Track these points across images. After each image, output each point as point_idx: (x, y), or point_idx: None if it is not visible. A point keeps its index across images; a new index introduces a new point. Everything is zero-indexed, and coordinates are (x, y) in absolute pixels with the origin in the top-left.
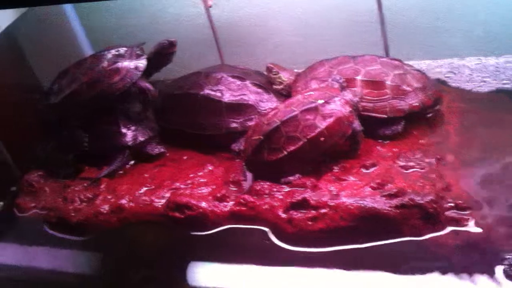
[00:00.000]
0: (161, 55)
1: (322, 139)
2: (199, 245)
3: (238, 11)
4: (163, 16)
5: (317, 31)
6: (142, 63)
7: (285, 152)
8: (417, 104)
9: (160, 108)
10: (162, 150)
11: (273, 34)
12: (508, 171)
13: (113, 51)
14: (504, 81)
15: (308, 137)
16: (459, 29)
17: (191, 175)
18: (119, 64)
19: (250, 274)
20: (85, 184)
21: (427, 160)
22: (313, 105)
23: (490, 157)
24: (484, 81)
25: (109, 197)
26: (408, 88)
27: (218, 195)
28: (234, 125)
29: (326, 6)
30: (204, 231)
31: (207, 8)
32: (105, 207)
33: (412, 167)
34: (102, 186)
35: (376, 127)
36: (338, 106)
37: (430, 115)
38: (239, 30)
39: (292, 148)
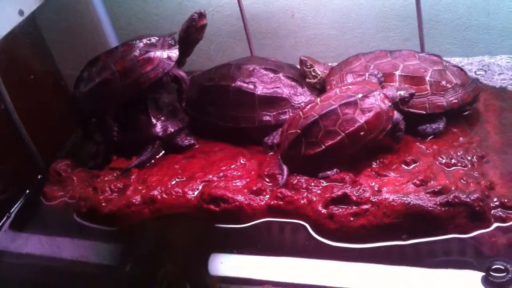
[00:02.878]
0: (192, 30)
1: (361, 133)
2: (235, 238)
3: (271, 4)
4: (191, 5)
5: (352, 25)
6: (174, 52)
7: (323, 147)
8: (457, 101)
9: (190, 99)
10: (192, 141)
11: (306, 27)
12: None
13: (145, 40)
14: None
15: (347, 131)
16: (491, 26)
17: (223, 168)
18: (152, 54)
19: (290, 268)
20: (115, 174)
21: (468, 157)
22: (352, 99)
23: None
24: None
25: (140, 187)
26: (447, 85)
27: (254, 188)
28: (267, 118)
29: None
30: (240, 224)
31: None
32: (137, 198)
33: (454, 164)
34: (133, 177)
35: (416, 124)
36: (377, 101)
37: (467, 112)
38: (271, 22)
39: (330, 142)
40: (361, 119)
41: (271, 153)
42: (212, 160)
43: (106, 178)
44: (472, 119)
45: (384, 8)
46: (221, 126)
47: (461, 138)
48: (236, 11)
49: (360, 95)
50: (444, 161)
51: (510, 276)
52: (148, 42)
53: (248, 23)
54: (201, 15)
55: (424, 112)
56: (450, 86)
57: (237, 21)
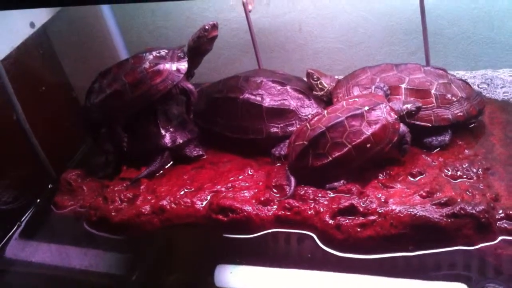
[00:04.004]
0: (203, 40)
1: (368, 145)
2: (243, 249)
3: (279, 17)
4: (199, 19)
5: (359, 39)
6: (183, 65)
7: (330, 158)
8: (462, 114)
9: (199, 111)
10: (201, 152)
11: (314, 41)
12: None
13: (155, 53)
14: None
15: (354, 143)
16: (495, 41)
17: (232, 178)
18: (161, 66)
19: (297, 279)
20: (125, 184)
21: (474, 170)
22: (359, 111)
23: None
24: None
25: (149, 197)
26: (453, 98)
27: (262, 198)
28: (274, 129)
29: (369, 14)
30: (248, 235)
31: (247, 12)
32: (147, 208)
33: (460, 176)
34: (142, 187)
35: (422, 137)
36: (384, 113)
37: (473, 125)
38: (278, 35)
39: (337, 154)
40: (368, 131)
41: (279, 164)
42: (221, 171)
43: (116, 188)
44: (477, 132)
45: (390, 22)
46: (229, 137)
47: (466, 151)
48: (244, 25)
49: (366, 108)
50: (450, 173)
51: None
52: (158, 54)
53: (255, 36)
54: (214, 26)
55: (430, 125)
56: (455, 99)
57: (245, 35)
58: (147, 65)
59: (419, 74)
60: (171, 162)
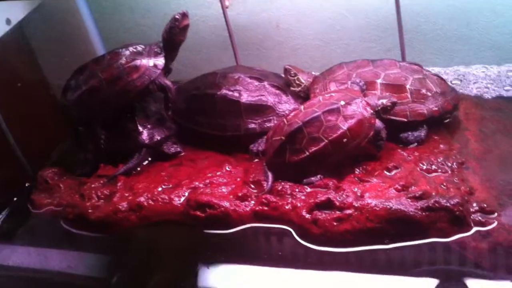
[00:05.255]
0: (175, 31)
1: (344, 140)
2: (221, 244)
3: (256, 14)
4: None
5: (336, 36)
6: (160, 60)
7: (307, 153)
8: (437, 108)
9: (177, 108)
10: (179, 149)
11: (291, 38)
12: None
13: (131, 49)
14: (506, 88)
15: (330, 138)
16: (469, 37)
17: (209, 175)
18: (138, 62)
19: (275, 274)
20: (102, 182)
21: (449, 164)
22: (335, 106)
23: (509, 162)
24: (488, 88)
25: (126, 194)
26: (428, 93)
27: (240, 194)
28: (252, 126)
29: (346, 11)
30: (226, 230)
31: (225, 8)
32: (124, 204)
33: (435, 170)
34: (119, 184)
35: (398, 132)
36: (359, 108)
37: (448, 120)
38: (256, 33)
39: (314, 148)
40: (344, 126)
41: (257, 160)
42: (199, 167)
43: (93, 185)
44: (452, 127)
45: (367, 19)
46: (207, 134)
47: (442, 145)
48: (222, 22)
49: (342, 103)
50: (425, 167)
51: None
52: (135, 50)
53: (233, 33)
54: (184, 15)
55: (406, 120)
56: (430, 94)
57: (223, 32)
58: (124, 60)
59: (395, 70)
60: (149, 159)
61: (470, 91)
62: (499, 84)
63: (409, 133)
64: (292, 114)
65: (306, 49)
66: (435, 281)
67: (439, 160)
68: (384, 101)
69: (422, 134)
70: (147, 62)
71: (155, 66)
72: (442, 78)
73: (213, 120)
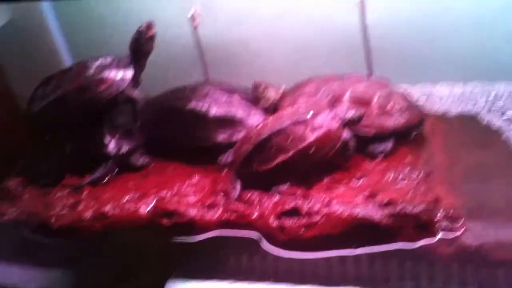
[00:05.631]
0: (141, 41)
1: (312, 150)
2: (187, 252)
3: (227, 34)
4: None
5: (305, 55)
6: (129, 72)
7: (275, 162)
8: (403, 122)
9: (146, 120)
10: (147, 161)
11: (261, 57)
12: (491, 185)
13: (99, 61)
14: (470, 105)
15: (298, 147)
16: (434, 57)
17: (177, 184)
18: (106, 73)
19: (242, 280)
20: (67, 192)
21: (415, 174)
22: (302, 117)
23: (474, 173)
24: (452, 105)
25: (91, 204)
26: (393, 107)
27: (207, 203)
28: (221, 137)
29: (315, 32)
30: (192, 238)
31: (194, 27)
32: (88, 213)
33: (402, 180)
34: (84, 194)
35: (366, 144)
36: (327, 119)
37: (415, 134)
38: (226, 51)
39: (282, 158)
40: (311, 136)
41: (226, 171)
42: (167, 178)
43: (57, 195)
44: (419, 141)
45: (335, 39)
46: (176, 146)
47: (408, 157)
48: (193, 40)
49: (310, 114)
50: (392, 177)
51: None
52: (103, 62)
53: (204, 52)
54: (149, 25)
55: (372, 132)
56: (396, 109)
57: (193, 50)
58: (91, 72)
59: (362, 85)
60: (117, 170)
61: (436, 108)
62: (463, 102)
63: (376, 145)
64: (261, 125)
65: (275, 68)
66: (402, 286)
67: (406, 170)
68: (351, 113)
69: (389, 146)
70: (115, 73)
71: (122, 77)
72: (407, 94)
73: (182, 132)
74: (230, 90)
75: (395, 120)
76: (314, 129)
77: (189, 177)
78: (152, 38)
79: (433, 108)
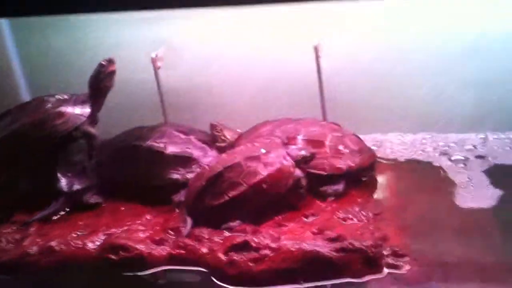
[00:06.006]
0: (101, 77)
1: (264, 186)
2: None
3: (191, 78)
4: None
5: (265, 100)
6: (86, 108)
7: (227, 197)
8: (354, 164)
9: (102, 159)
10: (99, 200)
11: (223, 102)
12: (437, 225)
13: (57, 96)
14: (419, 153)
15: (250, 183)
16: (387, 107)
17: (128, 223)
18: (63, 108)
19: None
20: (15, 227)
21: (365, 214)
22: (256, 153)
23: (423, 216)
24: (402, 152)
25: (38, 239)
26: (345, 149)
27: (156, 238)
28: (176, 176)
29: (275, 80)
30: (141, 272)
31: (156, 69)
32: (34, 248)
33: (351, 219)
34: (32, 229)
35: (318, 185)
36: (280, 157)
37: (366, 178)
38: (188, 96)
39: (234, 193)
40: (264, 172)
41: (179, 210)
42: (118, 217)
43: (4, 231)
44: (370, 184)
45: (292, 86)
46: (131, 185)
47: (359, 199)
48: (155, 85)
49: (263, 151)
50: (341, 216)
51: None
52: (61, 98)
53: (168, 95)
54: (110, 61)
55: (324, 173)
56: (348, 151)
57: (155, 95)
58: (48, 106)
59: (316, 127)
60: (68, 209)
61: (387, 155)
62: (413, 150)
63: (328, 186)
64: (215, 161)
65: (237, 113)
66: None
67: (355, 210)
68: (304, 152)
69: (340, 188)
70: (73, 109)
71: (80, 113)
72: (359, 138)
73: (137, 171)
74: (187, 131)
75: (347, 162)
76: (266, 165)
77: (141, 216)
78: (112, 74)
79: (384, 155)
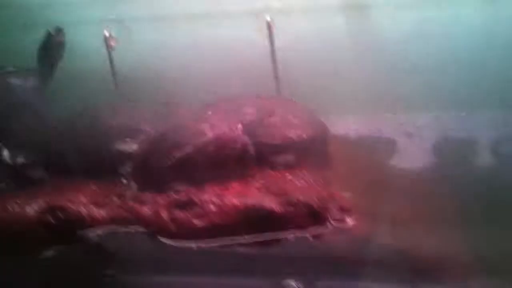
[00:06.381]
0: (49, 46)
1: (210, 148)
2: (76, 247)
3: (139, 59)
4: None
5: (219, 77)
6: (33, 79)
7: (172, 159)
8: (305, 135)
9: (48, 133)
10: (45, 174)
11: (177, 80)
12: (383, 188)
13: (5, 69)
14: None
15: (195, 143)
16: (338, 89)
17: (72, 192)
18: (8, 80)
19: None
20: None
21: (313, 179)
22: (204, 116)
23: (369, 180)
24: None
25: None
26: (297, 121)
27: (99, 201)
28: (123, 148)
29: (229, 52)
30: (82, 233)
31: (110, 49)
32: None
33: (299, 179)
34: None
35: (268, 155)
36: (228, 121)
37: (318, 151)
38: (143, 77)
39: (178, 155)
40: (210, 133)
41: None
42: (63, 190)
43: None
44: (322, 157)
45: (248, 64)
46: (78, 159)
47: (309, 168)
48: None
49: (210, 113)
50: (289, 177)
51: None
52: (8, 70)
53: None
54: (59, 30)
55: (274, 142)
56: (300, 122)
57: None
58: None
59: (267, 100)
60: (11, 182)
61: (340, 132)
62: (366, 128)
63: (278, 156)
64: (160, 127)
65: (191, 91)
66: (291, 270)
67: (304, 175)
68: (252, 117)
69: (291, 158)
70: (18, 80)
71: (26, 84)
72: (311, 111)
73: (84, 144)
74: (139, 106)
75: (298, 132)
76: (213, 127)
77: (86, 188)
78: (60, 44)
79: (338, 132)
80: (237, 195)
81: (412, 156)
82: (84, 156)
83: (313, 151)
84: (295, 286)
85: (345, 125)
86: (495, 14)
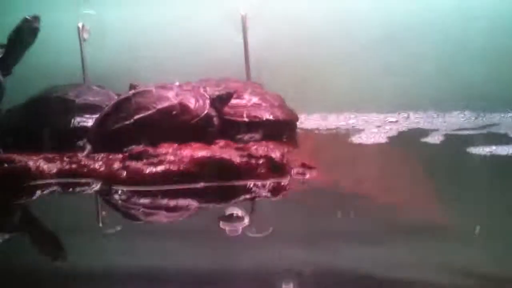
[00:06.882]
0: (23, 30)
1: (173, 112)
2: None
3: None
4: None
5: (193, 66)
6: None
7: (132, 120)
8: (272, 116)
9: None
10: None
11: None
12: (342, 159)
13: None
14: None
15: (159, 107)
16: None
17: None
18: None
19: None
20: None
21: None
22: (170, 85)
23: (330, 155)
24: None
25: None
26: (265, 104)
27: (50, 156)
28: (83, 123)
29: (197, 51)
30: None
31: (82, 40)
32: None
33: (263, 147)
34: None
35: (235, 132)
36: (195, 90)
37: (286, 136)
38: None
39: (140, 115)
40: (175, 99)
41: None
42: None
43: None
44: (289, 141)
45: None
46: (40, 134)
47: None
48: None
49: (178, 83)
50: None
51: None
52: None
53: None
54: (35, 18)
55: (243, 120)
56: (268, 105)
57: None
58: None
59: (236, 83)
60: None
61: (310, 127)
62: (336, 123)
63: (245, 134)
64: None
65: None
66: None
67: (270, 146)
68: (221, 92)
69: (257, 136)
70: None
71: None
72: (280, 96)
73: (47, 119)
74: (104, 88)
75: (266, 113)
76: (179, 95)
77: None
78: (34, 30)
79: (308, 126)
80: (196, 149)
81: (370, 138)
82: (46, 130)
83: (280, 132)
84: (237, 213)
85: (318, 121)
86: None
